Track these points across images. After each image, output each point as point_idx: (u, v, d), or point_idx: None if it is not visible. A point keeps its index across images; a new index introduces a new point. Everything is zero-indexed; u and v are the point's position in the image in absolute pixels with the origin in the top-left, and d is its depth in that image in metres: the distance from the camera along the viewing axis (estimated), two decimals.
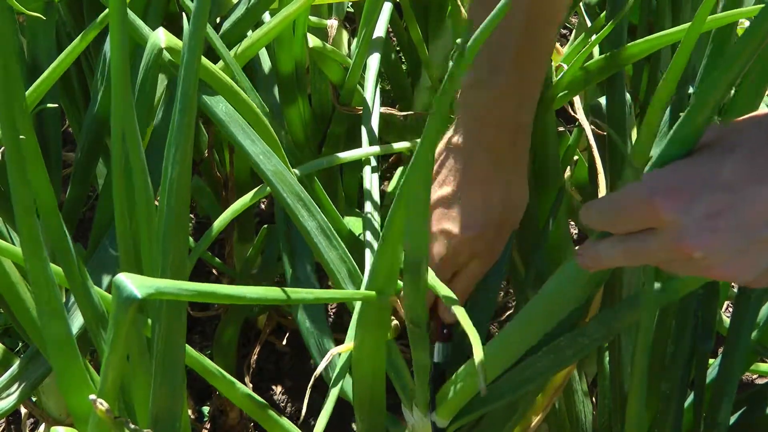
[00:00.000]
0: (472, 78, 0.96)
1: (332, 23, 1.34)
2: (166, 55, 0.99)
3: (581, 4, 1.41)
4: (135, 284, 0.65)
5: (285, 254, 1.18)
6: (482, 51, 0.94)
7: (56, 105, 1.18)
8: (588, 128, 1.15)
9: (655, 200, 0.64)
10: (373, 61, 1.20)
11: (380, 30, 1.22)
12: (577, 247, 0.77)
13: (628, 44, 1.11)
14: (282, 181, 0.98)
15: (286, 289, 0.77)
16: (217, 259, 1.52)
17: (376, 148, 1.13)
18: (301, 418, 1.06)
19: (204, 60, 0.98)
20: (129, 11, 0.98)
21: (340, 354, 0.98)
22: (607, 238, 0.72)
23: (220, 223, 1.07)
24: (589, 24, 1.42)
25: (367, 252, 1.02)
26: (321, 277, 1.28)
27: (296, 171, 1.10)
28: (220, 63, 1.09)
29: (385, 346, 0.92)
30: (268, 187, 1.02)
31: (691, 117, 0.66)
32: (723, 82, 0.64)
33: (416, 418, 0.98)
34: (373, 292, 0.85)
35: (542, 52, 0.97)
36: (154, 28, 1.00)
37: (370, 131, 1.15)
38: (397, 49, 1.69)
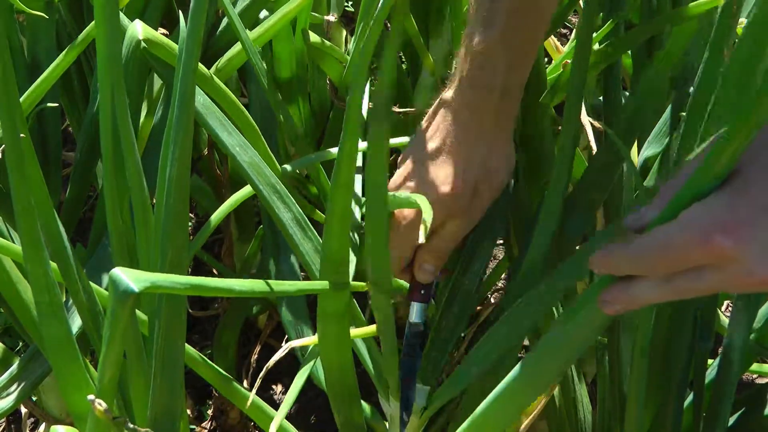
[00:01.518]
0: (467, 31, 0.95)
1: (330, 18, 1.35)
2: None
3: (581, 2, 1.41)
4: (131, 278, 0.65)
5: (269, 247, 1.19)
6: (480, 3, 0.92)
7: (56, 105, 1.18)
8: (588, 126, 1.15)
9: (714, 240, 0.60)
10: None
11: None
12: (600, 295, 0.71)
13: (618, 37, 1.11)
14: (258, 173, 0.98)
15: (270, 281, 0.78)
16: (219, 263, 1.52)
17: (363, 144, 1.14)
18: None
19: (174, 47, 0.98)
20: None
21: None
22: (643, 281, 0.67)
23: (217, 216, 1.07)
24: None
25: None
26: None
27: (287, 167, 1.10)
28: (212, 70, 1.09)
29: (349, 336, 0.93)
30: None
31: (726, 145, 0.61)
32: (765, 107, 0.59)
33: (394, 408, 0.98)
34: (326, 283, 0.87)
35: (539, 9, 0.95)
36: (153, 27, 1.01)
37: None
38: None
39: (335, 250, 0.86)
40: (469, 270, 1.05)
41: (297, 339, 1.08)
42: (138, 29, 0.97)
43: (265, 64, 1.16)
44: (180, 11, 0.97)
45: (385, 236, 0.85)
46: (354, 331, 0.98)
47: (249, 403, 0.97)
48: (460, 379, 0.93)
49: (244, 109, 1.03)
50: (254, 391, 0.96)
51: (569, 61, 1.06)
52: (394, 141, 1.21)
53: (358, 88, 0.73)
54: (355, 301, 1.11)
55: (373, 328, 0.97)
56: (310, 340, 0.97)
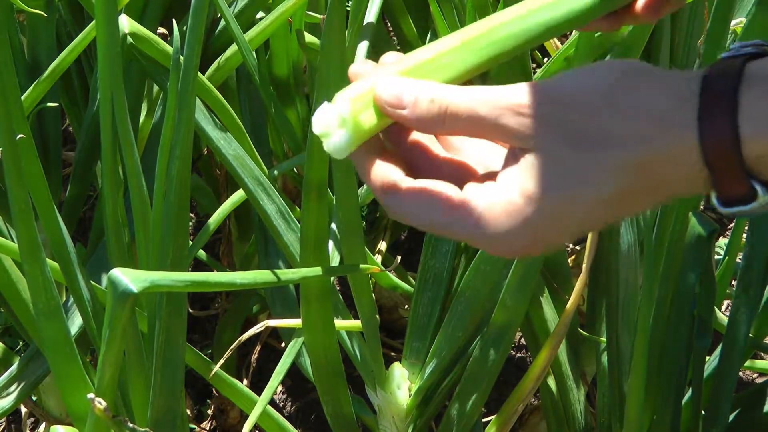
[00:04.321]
0: None
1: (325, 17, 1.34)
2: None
3: None
4: (130, 278, 0.65)
5: (256, 239, 1.20)
6: None
7: (56, 105, 1.18)
8: None
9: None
10: (360, 51, 1.19)
11: (371, 19, 1.21)
12: None
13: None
14: (242, 165, 0.99)
15: (274, 270, 0.78)
16: (218, 263, 1.52)
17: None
18: None
19: (163, 45, 0.98)
20: None
21: None
22: None
23: (217, 218, 1.08)
24: None
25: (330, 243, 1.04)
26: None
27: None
28: (213, 67, 1.09)
29: (332, 317, 0.94)
30: None
31: None
32: None
33: (380, 398, 0.99)
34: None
35: None
36: (152, 27, 1.01)
37: None
38: (398, 48, 1.69)
39: (312, 228, 0.86)
40: (438, 251, 1.04)
41: (290, 341, 1.08)
42: (124, 23, 0.97)
43: (258, 63, 1.17)
44: (173, 14, 0.97)
45: (356, 215, 0.86)
46: (339, 323, 0.98)
47: (212, 373, 0.97)
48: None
49: (227, 104, 1.03)
50: (220, 362, 0.96)
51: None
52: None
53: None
54: (342, 299, 1.11)
55: (357, 322, 0.98)
56: (293, 322, 0.98)
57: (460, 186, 0.54)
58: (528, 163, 0.51)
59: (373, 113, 0.54)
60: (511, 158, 0.53)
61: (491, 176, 0.54)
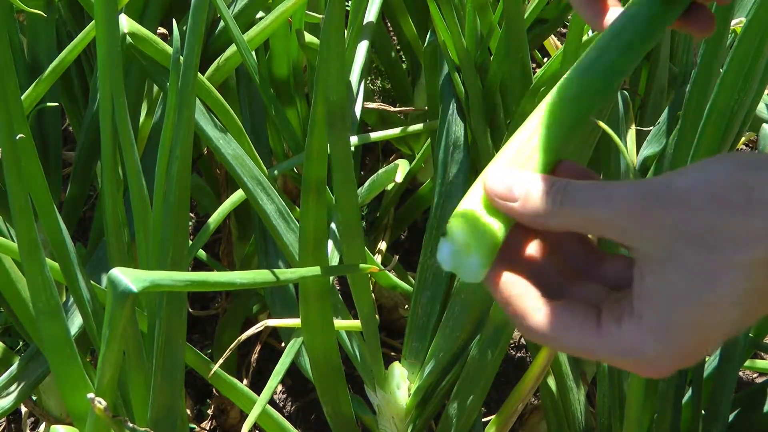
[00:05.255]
0: None
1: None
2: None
3: None
4: (130, 278, 0.65)
5: (256, 239, 1.20)
6: None
7: (56, 104, 1.18)
8: None
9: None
10: (360, 50, 1.20)
11: (371, 18, 1.21)
12: None
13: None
14: (241, 165, 1.00)
15: (273, 270, 0.78)
16: (218, 263, 1.52)
17: (355, 138, 1.15)
18: None
19: (163, 45, 0.98)
20: None
21: None
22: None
23: (217, 217, 1.08)
24: None
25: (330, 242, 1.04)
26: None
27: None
28: (213, 67, 1.09)
29: (331, 316, 0.94)
30: None
31: None
32: None
33: (380, 397, 0.99)
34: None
35: None
36: (152, 27, 1.01)
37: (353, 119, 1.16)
38: (398, 48, 1.69)
39: (311, 227, 0.86)
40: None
41: (289, 341, 1.08)
42: (123, 23, 0.97)
43: (258, 63, 1.17)
44: (173, 14, 0.97)
45: (356, 215, 0.85)
46: (338, 323, 0.98)
47: (211, 373, 0.97)
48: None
49: (227, 104, 1.04)
50: (219, 362, 0.96)
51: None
52: (375, 135, 1.21)
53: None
54: (342, 299, 1.11)
55: (357, 322, 0.98)
56: (292, 321, 0.98)
57: (592, 300, 0.53)
58: (657, 278, 0.50)
59: (492, 222, 0.52)
60: (639, 276, 0.51)
61: (626, 296, 0.52)
